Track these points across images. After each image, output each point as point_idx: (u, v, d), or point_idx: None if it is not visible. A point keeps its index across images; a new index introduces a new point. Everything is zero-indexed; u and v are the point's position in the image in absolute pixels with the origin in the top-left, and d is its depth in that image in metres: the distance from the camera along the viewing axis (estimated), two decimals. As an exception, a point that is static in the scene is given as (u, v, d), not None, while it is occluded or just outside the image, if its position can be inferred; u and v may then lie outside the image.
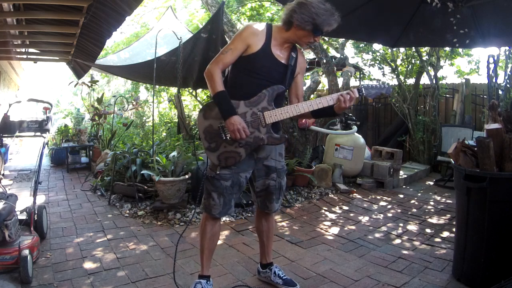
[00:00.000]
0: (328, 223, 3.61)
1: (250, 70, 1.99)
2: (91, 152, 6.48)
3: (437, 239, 3.18)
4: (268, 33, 1.99)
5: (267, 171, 2.15)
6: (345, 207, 4.14)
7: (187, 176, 3.81)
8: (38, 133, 3.11)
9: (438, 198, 4.57)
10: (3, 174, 5.17)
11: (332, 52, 7.42)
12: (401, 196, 4.64)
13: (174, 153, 4.11)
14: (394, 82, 6.72)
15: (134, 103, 8.41)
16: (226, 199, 2.07)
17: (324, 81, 7.02)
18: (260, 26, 2.01)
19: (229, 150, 1.99)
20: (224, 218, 3.59)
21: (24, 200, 3.44)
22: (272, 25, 2.05)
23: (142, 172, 3.98)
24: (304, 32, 1.93)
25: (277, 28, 2.02)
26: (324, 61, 5.31)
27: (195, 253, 2.79)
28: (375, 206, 4.18)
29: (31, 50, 6.04)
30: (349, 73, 5.93)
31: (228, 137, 1.97)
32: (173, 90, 8.95)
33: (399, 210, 4.04)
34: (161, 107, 10.58)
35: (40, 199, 4.22)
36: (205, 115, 2.03)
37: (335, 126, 5.44)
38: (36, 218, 2.88)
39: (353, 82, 7.19)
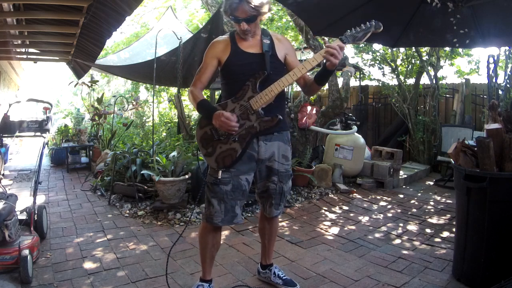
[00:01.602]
0: (328, 223, 3.61)
1: (233, 74, 2.02)
2: (91, 152, 6.48)
3: (437, 239, 3.18)
4: (232, 38, 2.06)
5: (268, 173, 2.10)
6: (345, 207, 4.14)
7: (187, 176, 3.82)
8: (38, 133, 3.11)
9: (438, 198, 4.57)
10: (3, 174, 5.17)
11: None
12: (401, 196, 4.64)
13: (174, 153, 4.11)
14: (394, 82, 6.72)
15: (134, 103, 8.41)
16: (228, 205, 2.02)
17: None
18: (223, 37, 2.11)
19: (225, 149, 1.97)
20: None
21: (24, 200, 3.44)
22: (235, 31, 2.09)
23: (142, 172, 3.98)
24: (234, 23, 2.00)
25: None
26: (324, 61, 5.31)
27: (195, 253, 2.79)
28: (375, 206, 4.18)
29: (31, 50, 6.04)
30: (349, 73, 5.92)
31: (221, 138, 1.97)
32: (173, 90, 8.96)
33: (399, 210, 4.04)
34: (161, 107, 10.58)
35: (40, 199, 4.22)
36: (200, 125, 2.07)
37: (335, 126, 5.44)
38: (36, 218, 2.88)
39: (353, 82, 7.19)
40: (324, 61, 1.91)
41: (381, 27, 1.89)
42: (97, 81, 8.19)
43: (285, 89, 2.14)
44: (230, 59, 2.01)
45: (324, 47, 1.88)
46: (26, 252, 2.33)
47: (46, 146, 4.75)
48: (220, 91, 2.17)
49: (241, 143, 1.97)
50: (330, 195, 4.53)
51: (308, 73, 2.10)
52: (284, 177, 2.14)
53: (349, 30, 1.89)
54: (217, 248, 2.18)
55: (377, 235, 3.31)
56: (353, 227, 3.50)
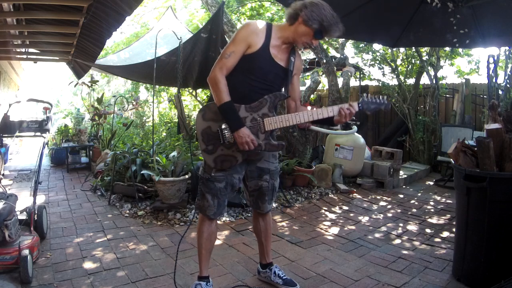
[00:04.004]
0: (328, 223, 3.61)
1: (247, 70, 1.96)
2: (91, 152, 6.48)
3: (437, 239, 3.18)
4: (268, 32, 1.96)
5: (260, 172, 2.16)
6: (345, 207, 4.14)
7: (187, 176, 3.82)
8: (38, 133, 3.11)
9: (438, 198, 4.57)
10: (3, 174, 5.17)
11: (332, 52, 7.42)
12: (401, 196, 4.64)
13: (174, 153, 4.11)
14: (394, 82, 6.72)
15: (134, 103, 8.41)
16: (220, 200, 2.09)
17: (324, 81, 7.02)
18: (261, 24, 1.97)
19: (226, 154, 1.99)
20: (224, 218, 3.60)
21: (24, 200, 3.44)
22: (272, 24, 2.01)
23: (142, 172, 3.98)
24: (307, 29, 1.89)
25: (277, 27, 2.00)
26: (324, 61, 5.31)
27: (195, 253, 2.78)
28: (375, 206, 4.18)
29: (31, 50, 6.04)
30: (349, 73, 5.93)
31: (226, 141, 1.97)
32: (173, 90, 8.96)
33: (399, 210, 4.04)
34: (161, 107, 10.58)
35: (40, 199, 4.22)
36: (205, 116, 2.00)
37: (335, 126, 5.44)
38: (36, 218, 2.88)
39: (353, 82, 7.19)
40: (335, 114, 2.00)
41: (389, 107, 2.09)
42: (97, 81, 8.19)
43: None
44: (257, 54, 1.93)
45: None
46: (26, 252, 2.33)
47: (46, 146, 4.75)
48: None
49: (243, 154, 2.00)
50: (330, 195, 4.53)
51: (301, 87, 2.21)
52: (274, 174, 2.22)
53: (366, 97, 2.00)
54: (213, 240, 2.20)
55: (377, 235, 3.31)
56: (353, 227, 3.50)
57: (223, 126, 1.96)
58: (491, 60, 4.82)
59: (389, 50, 6.60)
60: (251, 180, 2.17)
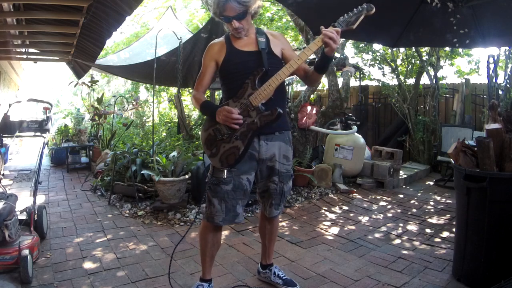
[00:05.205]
0: (328, 223, 3.61)
1: (230, 74, 2.04)
2: (91, 152, 6.48)
3: (437, 239, 3.18)
4: (227, 39, 2.09)
5: (269, 173, 2.11)
6: (345, 207, 4.14)
7: (187, 176, 3.82)
8: (38, 133, 3.11)
9: (438, 198, 4.57)
10: (3, 174, 5.17)
11: (332, 52, 7.40)
12: (401, 196, 4.64)
13: (174, 153, 4.11)
14: (394, 82, 6.72)
15: (134, 103, 8.42)
16: (229, 204, 2.02)
17: (324, 81, 7.02)
18: (218, 39, 2.14)
19: (228, 148, 1.98)
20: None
21: (24, 200, 3.44)
22: (230, 33, 2.12)
23: (142, 172, 3.98)
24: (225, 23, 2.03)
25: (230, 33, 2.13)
26: (323, 47, 5.30)
27: (195, 253, 2.79)
28: (375, 206, 4.18)
29: (31, 50, 6.04)
30: (349, 73, 5.92)
31: (222, 134, 1.98)
32: (173, 90, 8.96)
33: (399, 210, 4.04)
34: (161, 107, 10.58)
35: (40, 199, 4.22)
36: (204, 127, 2.09)
37: (335, 126, 5.44)
38: (36, 218, 2.88)
39: (353, 82, 7.19)
40: (323, 47, 1.89)
41: (373, 9, 1.88)
42: (97, 81, 8.19)
43: (286, 88, 2.14)
44: (226, 59, 2.03)
45: (322, 34, 1.85)
46: (26, 252, 2.33)
47: (46, 146, 4.75)
48: (221, 91, 2.18)
49: (243, 140, 1.96)
50: (330, 195, 4.53)
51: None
52: (285, 177, 2.14)
53: (342, 17, 1.89)
54: (217, 247, 2.19)
55: (377, 235, 3.31)
56: (353, 227, 3.50)
57: (217, 125, 2.01)
58: (491, 60, 4.82)
59: (389, 50, 6.60)
60: (260, 181, 2.14)
